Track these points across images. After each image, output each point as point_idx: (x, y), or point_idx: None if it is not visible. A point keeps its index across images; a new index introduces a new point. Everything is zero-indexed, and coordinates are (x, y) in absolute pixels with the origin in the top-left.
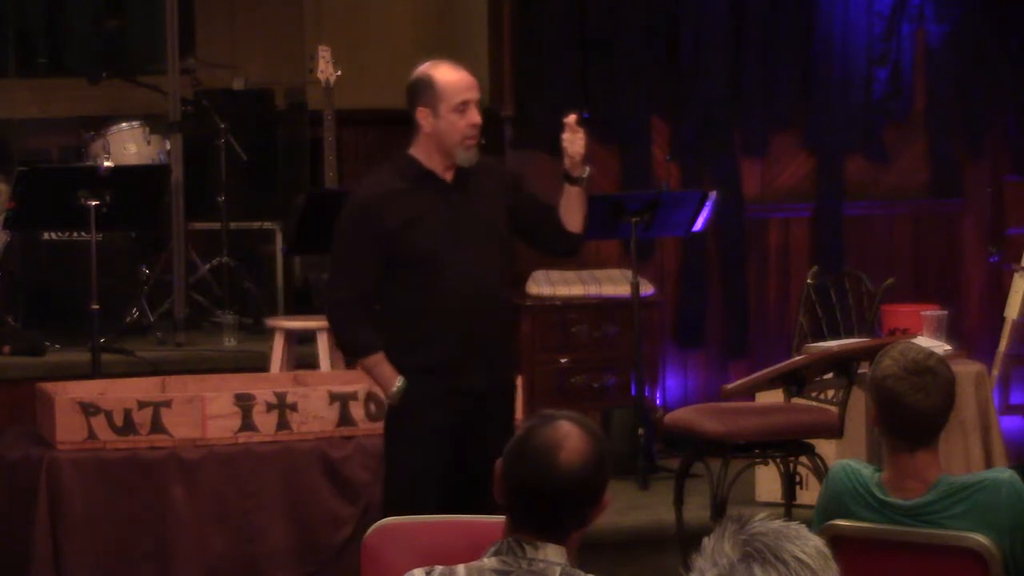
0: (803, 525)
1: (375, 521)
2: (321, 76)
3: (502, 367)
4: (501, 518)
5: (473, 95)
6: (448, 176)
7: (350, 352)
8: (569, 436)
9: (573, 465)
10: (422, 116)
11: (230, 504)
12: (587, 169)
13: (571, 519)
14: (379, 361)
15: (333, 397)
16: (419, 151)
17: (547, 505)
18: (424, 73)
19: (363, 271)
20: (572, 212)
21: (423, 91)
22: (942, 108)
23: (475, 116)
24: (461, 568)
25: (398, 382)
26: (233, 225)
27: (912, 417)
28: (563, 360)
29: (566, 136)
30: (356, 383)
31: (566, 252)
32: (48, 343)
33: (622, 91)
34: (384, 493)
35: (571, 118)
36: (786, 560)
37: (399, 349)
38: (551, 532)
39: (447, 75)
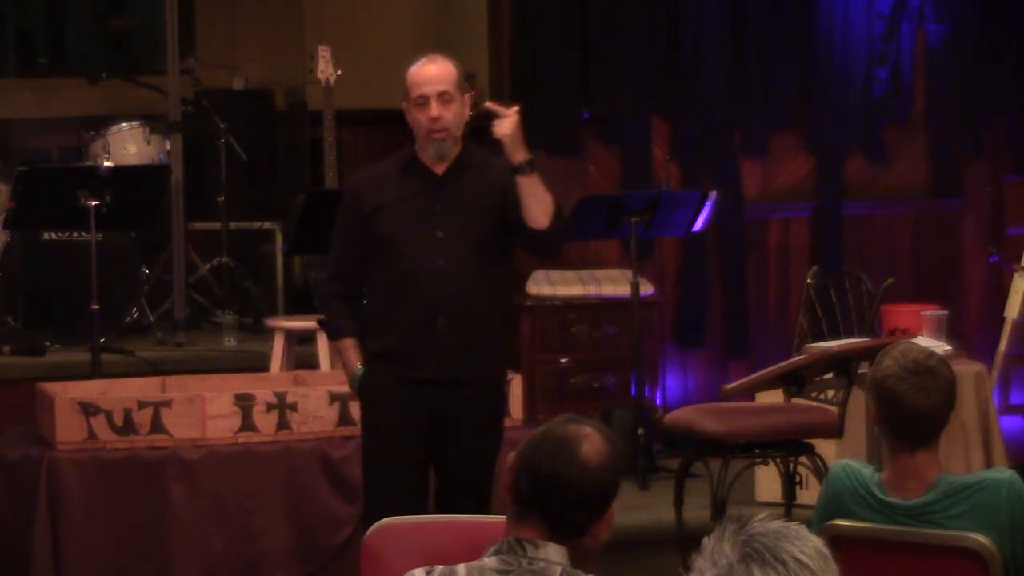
0: (803, 525)
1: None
2: (321, 76)
3: (465, 363)
4: (501, 518)
5: (431, 89)
6: (439, 168)
7: (327, 334)
8: (591, 437)
9: (591, 460)
10: (404, 110)
11: (230, 504)
12: (530, 156)
13: (576, 519)
14: (347, 346)
15: (333, 397)
16: (417, 143)
17: (557, 497)
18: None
19: (345, 253)
20: (527, 205)
21: (403, 85)
22: (942, 108)
23: (432, 111)
24: (461, 568)
25: (356, 369)
26: (233, 225)
27: (912, 417)
28: (563, 360)
29: (495, 121)
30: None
31: (539, 251)
32: (48, 343)
33: (622, 91)
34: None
35: (512, 108)
36: (785, 561)
37: (364, 333)
38: (554, 530)
39: (414, 70)
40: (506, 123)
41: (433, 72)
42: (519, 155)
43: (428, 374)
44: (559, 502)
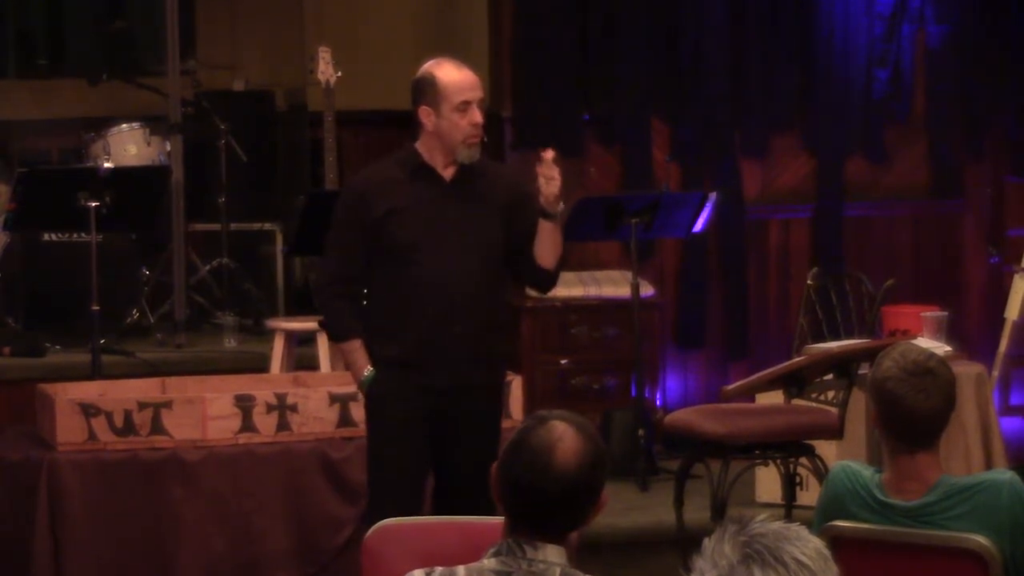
0: (803, 526)
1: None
2: (321, 77)
3: (475, 369)
4: (500, 519)
5: (475, 95)
6: (447, 174)
7: (330, 335)
8: (564, 437)
9: (569, 466)
10: (424, 115)
11: (230, 505)
12: (562, 205)
13: (569, 519)
14: (354, 348)
15: (333, 398)
16: (422, 146)
17: (544, 506)
18: (427, 72)
19: (349, 255)
20: (544, 246)
21: (426, 90)
22: (942, 108)
23: (476, 116)
24: (461, 569)
25: (366, 372)
26: (233, 226)
27: (912, 418)
28: (563, 361)
29: (543, 172)
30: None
31: (536, 286)
32: (48, 344)
33: (622, 91)
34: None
35: (548, 154)
36: (786, 562)
37: (372, 338)
38: (549, 533)
39: (450, 74)
40: (555, 182)
41: (473, 78)
42: (555, 205)
43: (440, 381)
44: (546, 511)
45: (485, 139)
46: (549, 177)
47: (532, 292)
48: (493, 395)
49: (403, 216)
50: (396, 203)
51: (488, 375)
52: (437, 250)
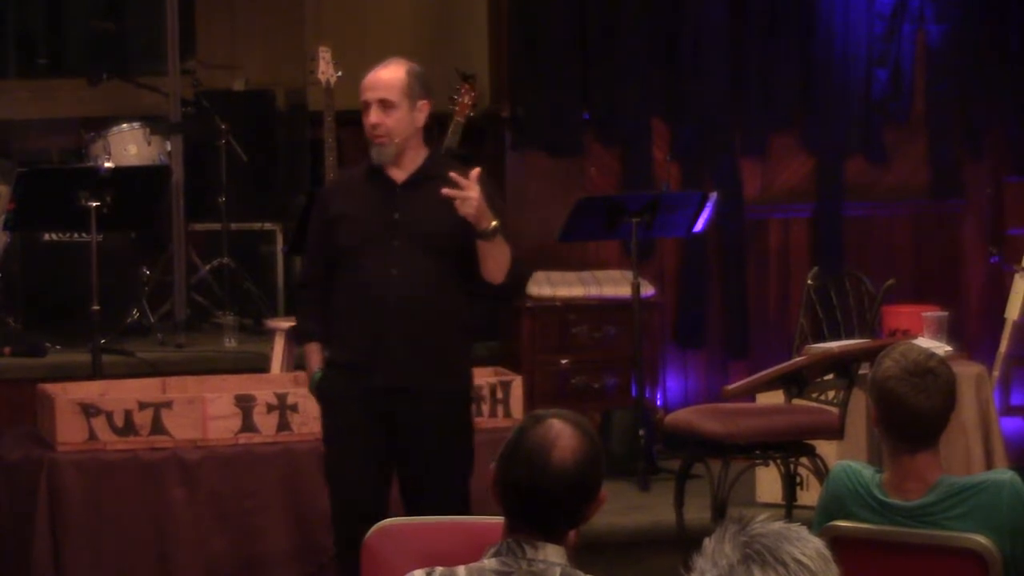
0: (804, 527)
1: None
2: (321, 77)
3: (423, 373)
4: (501, 519)
5: (371, 95)
6: (399, 177)
7: (295, 339)
8: (561, 436)
9: (566, 464)
10: None
11: (230, 505)
12: (493, 223)
13: (568, 518)
14: (309, 351)
15: None
16: None
17: (543, 506)
18: None
19: (313, 258)
20: (485, 264)
21: None
22: (942, 108)
23: (370, 117)
24: (461, 569)
25: (314, 373)
26: (234, 226)
27: (913, 418)
28: (563, 361)
29: (451, 193)
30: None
31: (494, 298)
32: (49, 344)
33: (622, 91)
34: None
35: (472, 173)
36: (786, 562)
37: (329, 341)
38: (549, 532)
39: (368, 74)
40: (466, 204)
41: (379, 78)
42: (483, 223)
43: (380, 382)
44: (546, 510)
45: (397, 140)
46: (460, 202)
47: (534, 291)
48: (451, 402)
49: (350, 219)
50: (346, 206)
51: (441, 380)
52: (379, 253)
